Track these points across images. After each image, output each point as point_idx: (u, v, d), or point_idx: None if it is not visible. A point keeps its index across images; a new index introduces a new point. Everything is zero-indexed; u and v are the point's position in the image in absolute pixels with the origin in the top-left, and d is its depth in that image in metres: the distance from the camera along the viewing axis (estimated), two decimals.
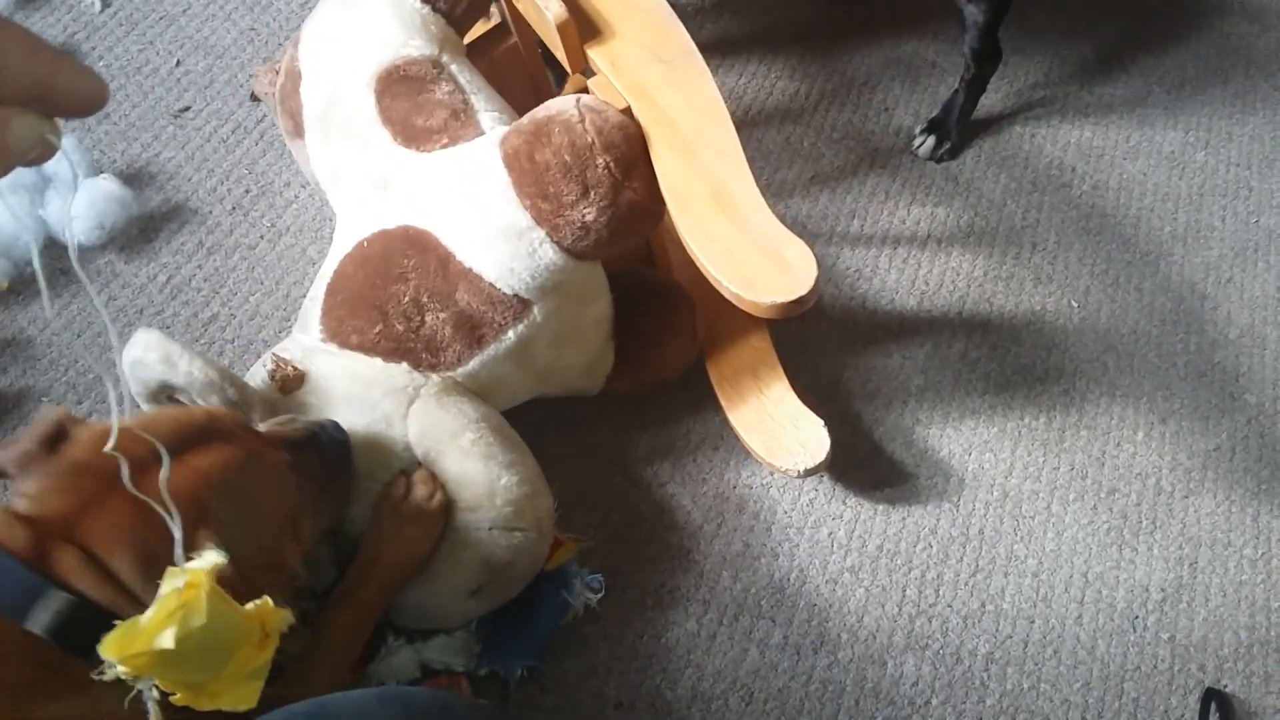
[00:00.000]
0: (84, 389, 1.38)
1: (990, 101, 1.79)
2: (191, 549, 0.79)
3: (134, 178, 1.55)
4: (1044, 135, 1.80)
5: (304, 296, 1.45)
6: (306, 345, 1.18)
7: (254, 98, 1.64)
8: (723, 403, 1.39)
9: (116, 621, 0.71)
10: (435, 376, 1.16)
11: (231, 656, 0.72)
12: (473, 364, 1.17)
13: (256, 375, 1.16)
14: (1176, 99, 1.87)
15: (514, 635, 1.24)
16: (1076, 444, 1.48)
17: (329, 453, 1.06)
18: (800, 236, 1.06)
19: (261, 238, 1.54)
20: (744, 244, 1.07)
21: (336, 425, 1.08)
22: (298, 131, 1.31)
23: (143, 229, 1.52)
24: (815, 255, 1.04)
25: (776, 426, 1.34)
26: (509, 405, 1.27)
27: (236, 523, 0.87)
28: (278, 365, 1.14)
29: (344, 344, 1.16)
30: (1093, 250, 1.67)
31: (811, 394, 1.39)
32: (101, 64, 1.67)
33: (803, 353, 1.49)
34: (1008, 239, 1.67)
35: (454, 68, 1.27)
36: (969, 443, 1.46)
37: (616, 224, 1.13)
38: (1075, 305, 1.61)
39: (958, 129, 1.75)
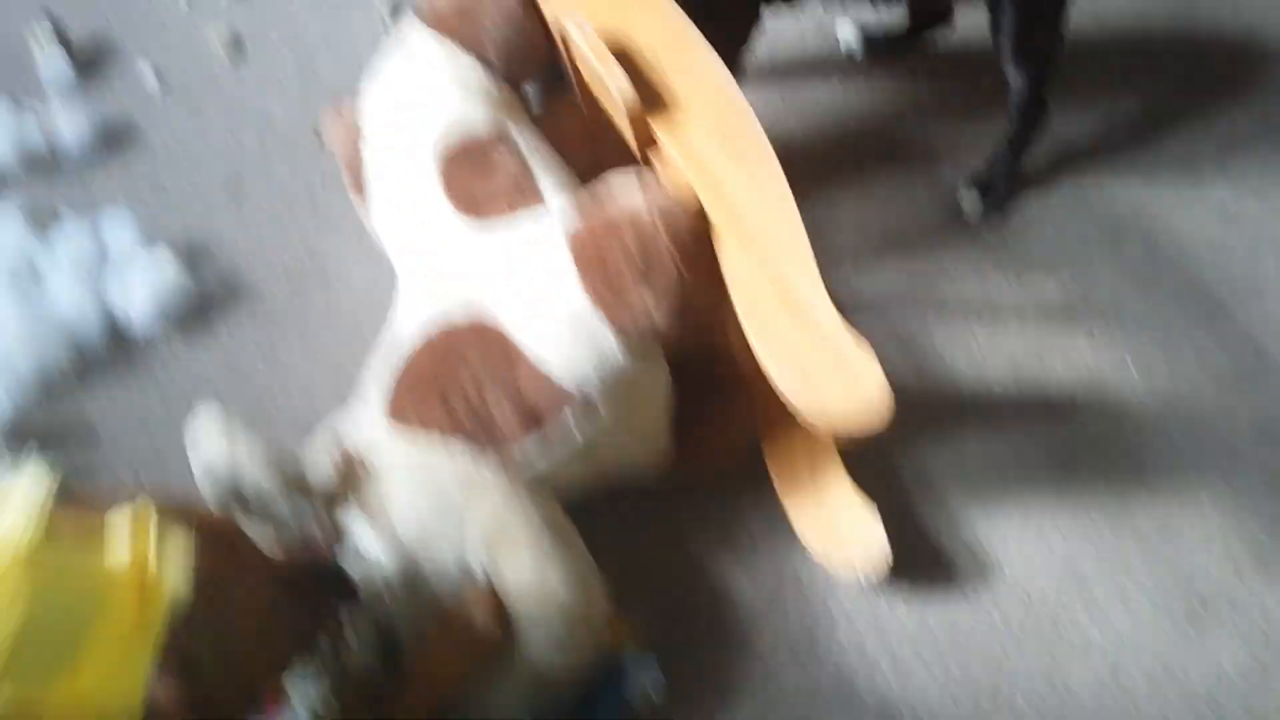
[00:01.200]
0: (145, 473, 1.40)
1: (1036, 159, 1.78)
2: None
3: (188, 252, 1.58)
4: (1093, 192, 1.78)
5: (359, 370, 1.48)
6: (368, 422, 1.20)
7: (317, 135, 1.67)
8: (780, 494, 1.37)
9: None
10: (495, 462, 1.17)
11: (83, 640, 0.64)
12: (531, 449, 1.18)
13: (319, 466, 1.17)
14: (1226, 152, 1.85)
15: None
16: (1140, 511, 1.46)
17: (326, 581, 1.07)
18: (849, 306, 1.05)
19: (314, 308, 1.56)
20: (814, 355, 1.06)
21: (342, 571, 1.09)
22: (357, 186, 1.35)
23: (200, 307, 1.54)
24: (871, 345, 1.04)
25: (835, 529, 1.31)
26: (569, 493, 1.27)
27: (207, 646, 0.87)
28: (342, 456, 1.15)
29: (408, 425, 1.17)
30: (1148, 309, 1.65)
31: (869, 478, 1.36)
32: (158, 138, 1.71)
33: None
34: (1057, 296, 1.66)
35: (515, 132, 1.29)
36: (1032, 519, 1.43)
37: (677, 315, 1.14)
38: (1133, 367, 1.59)
39: (1004, 186, 1.74)
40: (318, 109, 1.76)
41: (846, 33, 1.93)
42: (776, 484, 1.38)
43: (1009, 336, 1.61)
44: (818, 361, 1.06)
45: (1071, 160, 1.82)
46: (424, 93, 1.30)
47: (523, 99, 1.38)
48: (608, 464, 1.30)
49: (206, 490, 1.07)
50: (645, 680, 1.26)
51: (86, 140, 1.68)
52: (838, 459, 1.34)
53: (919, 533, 1.41)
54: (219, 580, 0.90)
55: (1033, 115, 1.69)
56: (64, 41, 1.78)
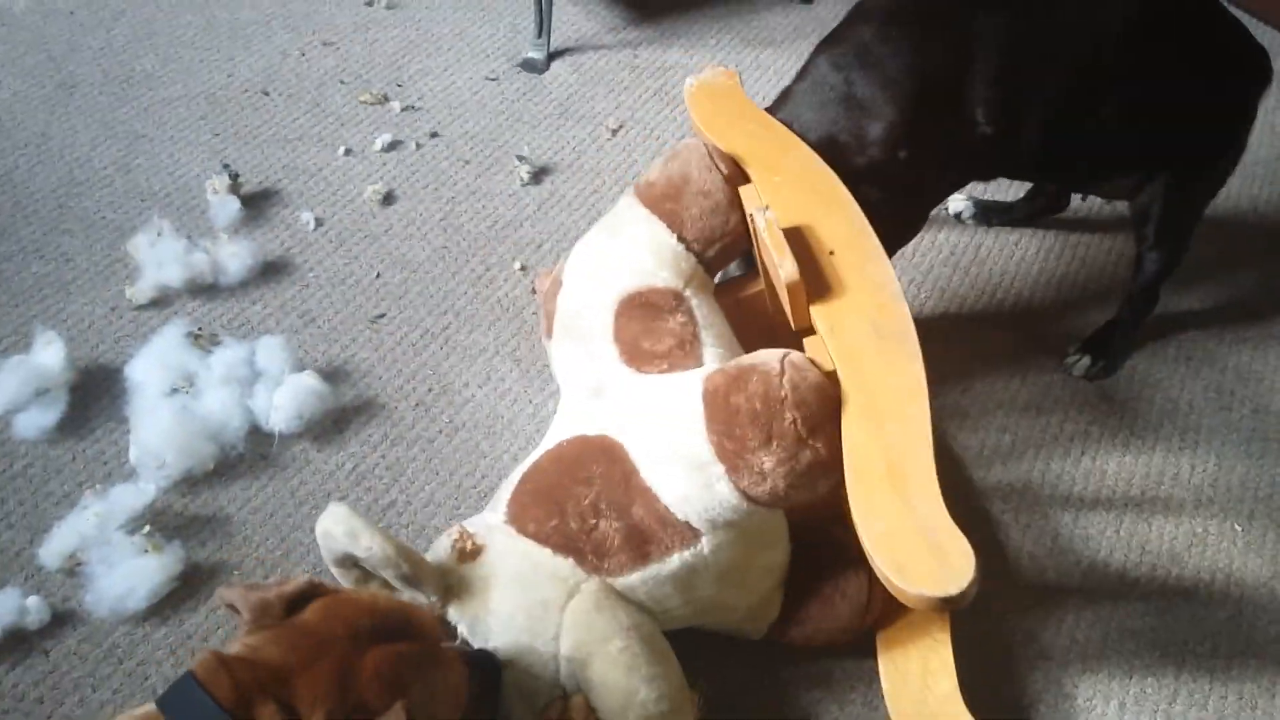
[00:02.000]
0: (271, 565, 1.49)
1: (1147, 323, 1.82)
2: (383, 711, 0.88)
3: (332, 375, 1.71)
4: (1201, 357, 1.81)
5: (474, 488, 1.56)
6: (490, 523, 1.26)
7: (534, 291, 1.81)
8: (883, 677, 1.35)
9: None
10: (597, 579, 1.22)
11: None
12: (634, 577, 1.22)
13: (440, 545, 1.24)
14: None
15: None
16: (1245, 674, 1.43)
17: (490, 673, 1.12)
18: (951, 460, 1.07)
19: (440, 432, 1.66)
20: (908, 528, 1.09)
21: (494, 655, 1.15)
22: (549, 331, 1.46)
23: (336, 420, 1.65)
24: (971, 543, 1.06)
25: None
26: (665, 628, 1.28)
27: (420, 712, 0.93)
28: (461, 536, 1.22)
29: (522, 529, 1.24)
30: (1255, 474, 1.65)
31: (977, 641, 1.37)
32: (311, 274, 1.87)
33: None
34: (1164, 459, 1.66)
35: (694, 302, 1.39)
36: (1133, 681, 1.41)
37: (794, 478, 1.17)
38: (1239, 529, 1.58)
39: (1117, 354, 1.78)
40: (456, 259, 1.91)
41: (958, 202, 2.03)
42: (882, 673, 1.35)
43: (1115, 499, 1.62)
44: (911, 528, 1.08)
45: (1182, 328, 1.86)
46: (620, 254, 1.42)
47: (711, 280, 1.48)
48: (710, 615, 1.33)
49: (326, 553, 1.14)
50: None
51: (248, 272, 1.85)
52: (952, 672, 1.30)
53: (1015, 699, 1.39)
54: (436, 659, 1.00)
55: (1149, 299, 1.75)
56: (236, 188, 1.98)
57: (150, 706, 0.89)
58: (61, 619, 1.41)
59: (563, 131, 2.22)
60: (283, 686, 0.88)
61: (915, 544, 1.07)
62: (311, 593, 0.99)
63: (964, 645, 1.31)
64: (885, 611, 1.36)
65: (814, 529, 1.38)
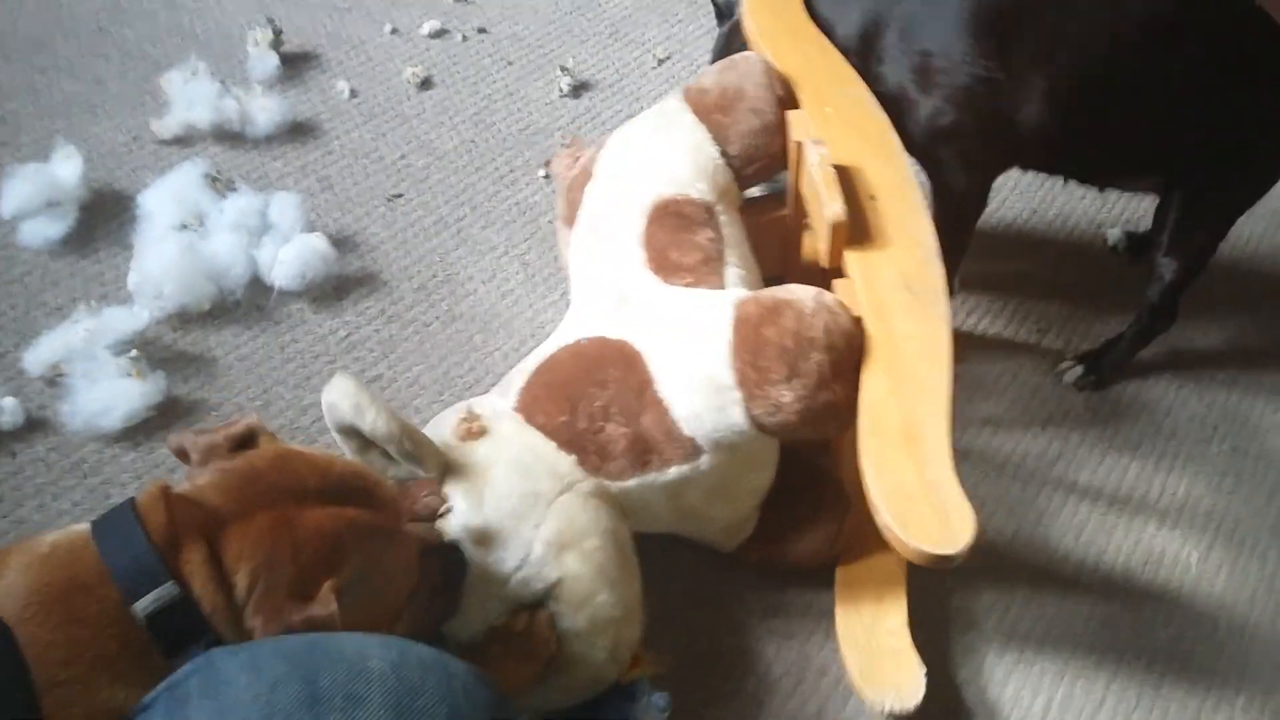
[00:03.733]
0: (246, 405, 1.50)
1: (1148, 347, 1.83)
2: (312, 593, 0.85)
3: (341, 242, 1.71)
4: (1191, 389, 1.82)
5: (460, 378, 1.57)
6: (499, 408, 1.27)
7: (545, 175, 1.80)
8: (838, 603, 1.38)
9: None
10: (592, 480, 1.23)
11: None
12: (630, 482, 1.24)
13: (443, 420, 1.25)
14: None
15: None
16: (1175, 695, 1.45)
17: (451, 567, 1.11)
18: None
19: (437, 318, 1.67)
20: (916, 486, 1.10)
21: (460, 550, 1.14)
22: (569, 220, 1.45)
23: (336, 287, 1.66)
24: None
25: (879, 655, 1.31)
26: (643, 530, 1.31)
27: (359, 584, 0.91)
28: (469, 417, 1.23)
29: (530, 419, 1.24)
30: (1221, 509, 1.66)
31: (919, 613, 1.38)
32: (337, 142, 1.87)
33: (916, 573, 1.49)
34: (1136, 478, 1.68)
35: (723, 218, 1.39)
36: (1063, 683, 1.43)
37: (808, 415, 1.19)
38: (1195, 559, 1.60)
39: (1111, 370, 1.79)
40: (483, 155, 1.91)
41: (1116, 235, 2.03)
42: (837, 596, 1.38)
43: (1081, 506, 1.63)
44: (919, 487, 1.10)
45: (1178, 358, 1.87)
46: (660, 157, 1.41)
47: (740, 198, 1.48)
48: (690, 524, 1.35)
49: (330, 421, 1.15)
50: (655, 711, 1.28)
51: (275, 128, 1.85)
52: (903, 604, 1.34)
53: (949, 676, 1.41)
54: (385, 533, 0.97)
55: (1163, 312, 1.73)
56: (277, 44, 1.97)
57: (85, 526, 0.86)
58: (35, 425, 1.42)
59: (610, 52, 2.21)
60: (217, 531, 0.85)
61: (921, 501, 1.09)
62: (254, 435, 0.97)
63: (909, 613, 1.34)
64: (851, 545, 1.39)
65: (800, 456, 1.39)
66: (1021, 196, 2.00)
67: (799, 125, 1.40)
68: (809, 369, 1.17)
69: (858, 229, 1.29)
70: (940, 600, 1.48)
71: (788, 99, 1.44)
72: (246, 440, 0.96)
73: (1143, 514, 1.64)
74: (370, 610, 0.92)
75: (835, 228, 1.25)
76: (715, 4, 1.69)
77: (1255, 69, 1.52)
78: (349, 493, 0.96)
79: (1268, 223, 2.13)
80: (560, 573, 1.16)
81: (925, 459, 1.12)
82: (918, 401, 1.16)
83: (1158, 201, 1.71)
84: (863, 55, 1.51)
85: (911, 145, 1.55)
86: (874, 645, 1.31)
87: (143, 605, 0.79)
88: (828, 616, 1.41)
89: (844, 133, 1.39)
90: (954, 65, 1.44)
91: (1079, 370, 1.78)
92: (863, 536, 1.36)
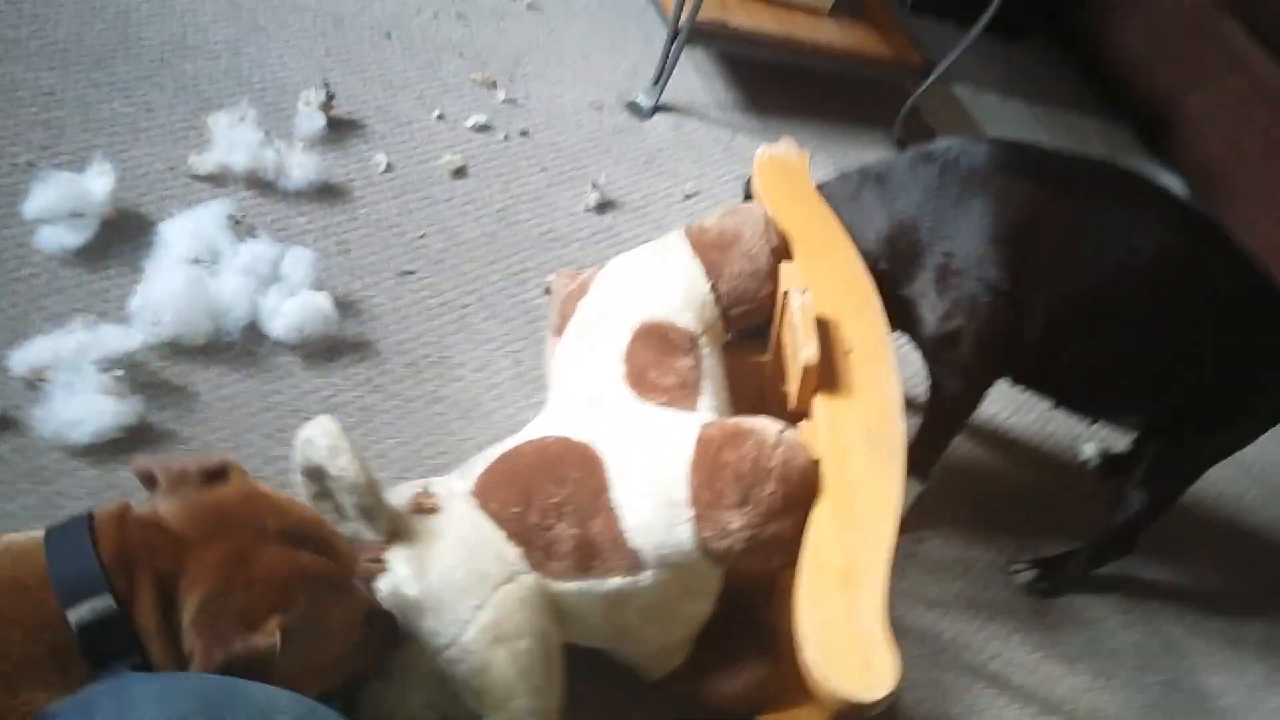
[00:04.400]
0: (218, 446, 1.51)
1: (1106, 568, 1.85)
2: (258, 627, 0.87)
3: (344, 306, 1.75)
4: (1138, 616, 1.84)
5: (431, 460, 1.59)
6: (454, 489, 1.29)
7: (547, 291, 1.85)
8: None
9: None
10: (535, 576, 1.24)
11: None
12: (569, 586, 1.25)
13: (398, 493, 1.27)
14: (1275, 636, 1.90)
15: None
16: None
17: (384, 633, 1.12)
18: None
19: (420, 397, 1.69)
20: (845, 629, 1.13)
21: (394, 618, 1.14)
22: (559, 330, 1.51)
23: (330, 347, 1.69)
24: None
25: None
26: (576, 640, 1.32)
27: (304, 629, 0.91)
28: (424, 492, 1.25)
29: (484, 505, 1.26)
30: None
31: None
32: (363, 210, 1.92)
33: None
34: (1068, 692, 1.69)
35: (705, 351, 1.45)
36: None
37: (754, 544, 1.22)
38: None
39: (1065, 581, 1.81)
40: (500, 250, 1.96)
41: (1091, 450, 2.09)
42: None
43: (1010, 709, 1.64)
44: (848, 630, 1.12)
45: (1132, 583, 1.89)
46: (654, 282, 1.49)
47: (723, 337, 1.54)
48: (622, 642, 1.35)
49: (300, 458, 1.16)
50: None
51: (307, 185, 1.90)
52: None
53: None
54: (335, 585, 0.99)
55: (1124, 541, 1.78)
56: (327, 108, 2.04)
57: (39, 534, 0.87)
58: (4, 422, 1.43)
59: (642, 178, 2.28)
60: (171, 559, 0.86)
61: (848, 645, 1.11)
62: (226, 471, 0.98)
63: None
64: (777, 697, 1.38)
65: (743, 598, 1.40)
66: (1007, 394, 2.05)
67: (789, 276, 1.47)
68: (761, 498, 1.20)
69: (829, 377, 1.34)
70: None
71: (782, 251, 1.51)
72: (218, 475, 0.97)
73: None
74: (310, 658, 0.93)
75: (807, 370, 1.30)
76: (746, 192, 1.77)
77: (1250, 331, 1.58)
78: (308, 540, 0.98)
79: (1236, 470, 2.18)
80: (487, 664, 1.16)
81: (859, 605, 1.14)
82: (862, 548, 1.19)
83: (1139, 433, 1.76)
84: (889, 258, 1.58)
85: (920, 345, 1.62)
86: None
87: (77, 614, 0.80)
88: None
89: (831, 289, 1.47)
90: (968, 270, 1.51)
91: (1031, 575, 1.80)
92: (789, 691, 1.35)
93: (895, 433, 1.30)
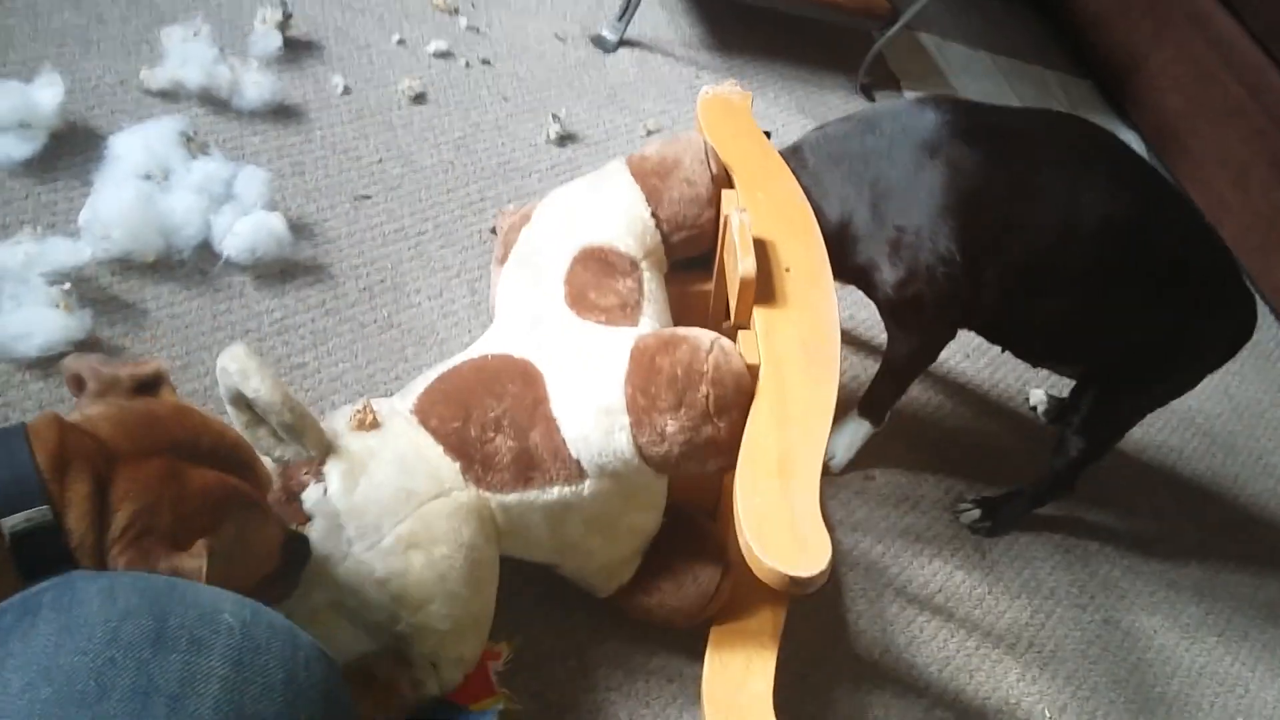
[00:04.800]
0: (166, 363, 1.49)
1: (1046, 508, 1.89)
2: (185, 547, 0.86)
3: (299, 228, 1.72)
4: (1078, 555, 1.88)
5: (384, 384, 1.58)
6: (396, 407, 1.29)
7: (493, 230, 1.84)
8: (707, 659, 1.38)
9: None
10: (471, 491, 1.24)
11: None
12: (510, 498, 1.26)
13: (340, 412, 1.27)
14: (1211, 580, 1.95)
15: None
16: None
17: (296, 555, 1.11)
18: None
19: (374, 321, 1.68)
20: (782, 512, 1.16)
21: (308, 541, 1.14)
22: (502, 260, 1.52)
23: (283, 269, 1.67)
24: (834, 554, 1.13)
25: (739, 715, 1.31)
26: (521, 555, 1.33)
27: (227, 551, 0.90)
28: (365, 409, 1.25)
29: (424, 421, 1.27)
30: (1082, 674, 1.71)
31: (786, 712, 1.39)
32: (319, 133, 1.89)
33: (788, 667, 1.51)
34: (1009, 627, 1.73)
35: (646, 275, 1.46)
36: None
37: (689, 448, 1.25)
38: (1049, 716, 1.64)
39: (1006, 520, 1.85)
40: (457, 179, 1.94)
41: (1039, 396, 2.11)
42: (708, 655, 1.38)
43: (951, 641, 1.67)
44: (784, 511, 1.15)
45: (1073, 523, 1.94)
46: (594, 209, 1.49)
47: (666, 262, 1.55)
48: (568, 557, 1.36)
49: (223, 389, 1.15)
50: None
51: (262, 104, 1.86)
52: (771, 672, 1.35)
53: None
54: (260, 510, 0.98)
55: (1063, 483, 1.81)
56: (284, 27, 2.00)
57: None
58: None
59: (604, 112, 2.26)
60: (106, 466, 0.85)
61: (783, 525, 1.14)
62: (159, 381, 0.96)
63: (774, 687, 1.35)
64: (728, 608, 1.41)
65: (688, 512, 1.43)
66: (959, 340, 2.07)
67: (728, 200, 1.49)
68: (695, 400, 1.22)
69: (767, 292, 1.37)
70: (802, 694, 1.50)
71: (723, 179, 1.53)
72: (150, 385, 0.96)
73: (1007, 662, 1.68)
74: (229, 580, 0.90)
75: (744, 284, 1.32)
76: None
77: (1187, 287, 1.61)
78: (234, 461, 0.96)
79: (1179, 420, 2.23)
80: (403, 567, 1.16)
81: (794, 490, 1.17)
82: (797, 442, 1.22)
83: (1077, 380, 1.79)
84: (840, 233, 1.59)
85: (879, 306, 1.64)
86: (736, 705, 1.32)
87: (10, 523, 0.78)
88: (689, 689, 1.43)
89: (771, 215, 1.49)
90: (921, 242, 1.53)
91: (976, 513, 1.84)
92: (740, 601, 1.40)
93: (831, 345, 1.34)
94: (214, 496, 0.90)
